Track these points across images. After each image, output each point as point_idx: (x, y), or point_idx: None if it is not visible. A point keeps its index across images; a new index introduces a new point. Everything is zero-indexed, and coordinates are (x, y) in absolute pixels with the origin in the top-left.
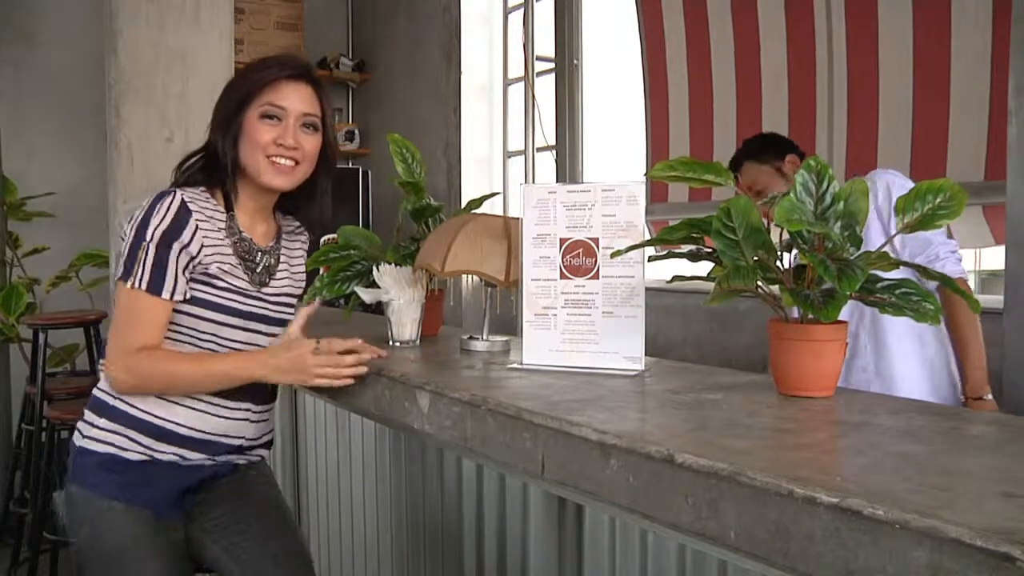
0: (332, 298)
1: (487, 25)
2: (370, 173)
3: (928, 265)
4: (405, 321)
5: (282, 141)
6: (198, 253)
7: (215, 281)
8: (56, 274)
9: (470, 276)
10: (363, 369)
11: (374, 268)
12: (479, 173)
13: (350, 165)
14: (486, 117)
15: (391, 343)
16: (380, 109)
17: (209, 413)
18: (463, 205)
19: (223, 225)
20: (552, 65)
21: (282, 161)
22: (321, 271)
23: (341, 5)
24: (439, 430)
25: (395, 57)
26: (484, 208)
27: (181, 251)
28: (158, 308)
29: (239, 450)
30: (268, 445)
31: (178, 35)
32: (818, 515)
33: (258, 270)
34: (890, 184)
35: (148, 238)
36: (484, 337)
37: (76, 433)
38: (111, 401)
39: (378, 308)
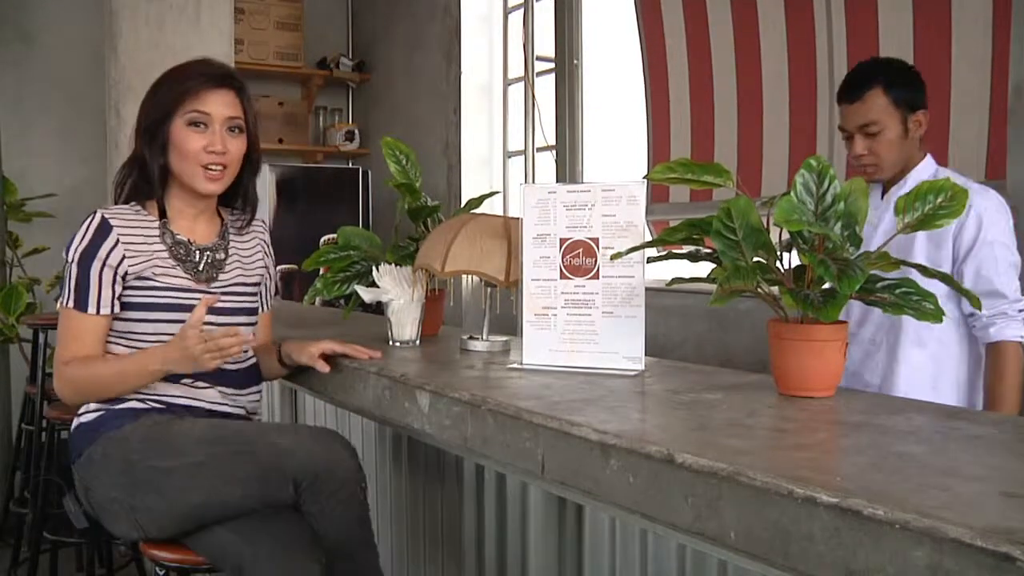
0: (332, 297)
1: (487, 25)
2: (370, 173)
3: (990, 319)
4: (405, 321)
5: (212, 148)
6: (119, 263)
7: (151, 283)
8: (56, 274)
9: (470, 276)
10: (249, 340)
11: (374, 268)
12: (479, 173)
13: (350, 165)
14: (486, 117)
15: (391, 343)
16: (380, 109)
17: (181, 386)
18: (463, 204)
19: (155, 232)
20: (552, 65)
21: (213, 169)
22: (321, 271)
23: (341, 5)
24: (439, 430)
25: (395, 57)
26: (484, 207)
27: (103, 267)
28: (87, 322)
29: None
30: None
31: (178, 35)
32: (818, 515)
33: (200, 267)
34: (983, 214)
35: (70, 259)
36: (484, 337)
37: (73, 426)
38: None
39: (378, 308)
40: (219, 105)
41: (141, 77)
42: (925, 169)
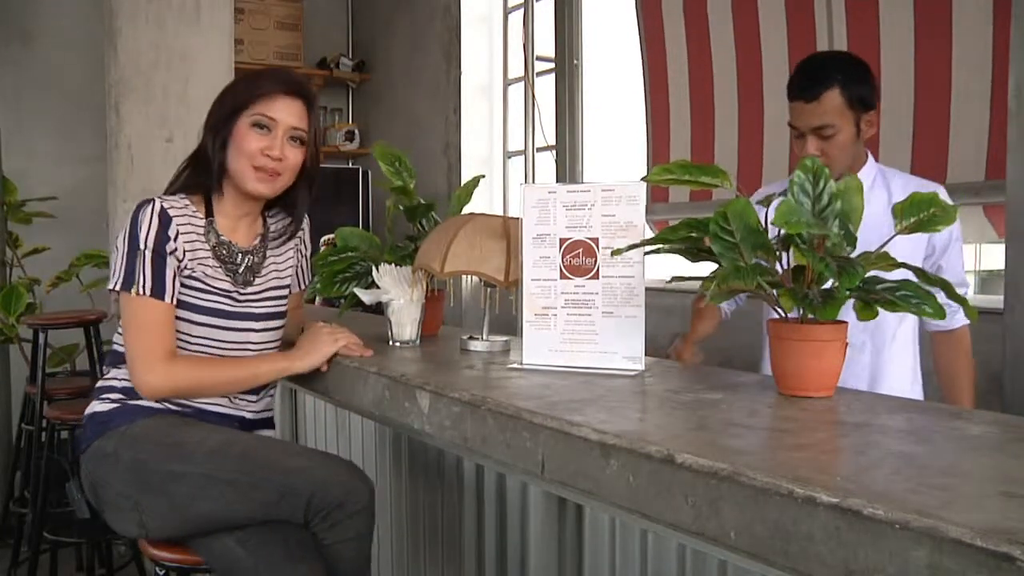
0: (332, 297)
1: (487, 25)
2: (370, 173)
3: (954, 307)
4: (405, 321)
5: (269, 152)
6: (184, 256)
7: (200, 284)
8: (56, 274)
9: (470, 276)
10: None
11: (374, 269)
12: (479, 173)
13: (350, 165)
14: (486, 117)
15: (391, 343)
16: (380, 109)
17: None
18: (460, 187)
19: (201, 230)
20: (552, 65)
21: (267, 171)
22: None
23: (341, 5)
24: (439, 430)
25: (395, 57)
26: (483, 206)
27: (171, 255)
28: (164, 311)
29: (244, 424)
30: (271, 423)
31: (178, 35)
32: (818, 515)
33: (240, 271)
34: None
35: (143, 246)
36: (484, 337)
37: (87, 413)
38: (118, 384)
39: (378, 308)
40: (286, 113)
41: (141, 77)
42: (869, 170)
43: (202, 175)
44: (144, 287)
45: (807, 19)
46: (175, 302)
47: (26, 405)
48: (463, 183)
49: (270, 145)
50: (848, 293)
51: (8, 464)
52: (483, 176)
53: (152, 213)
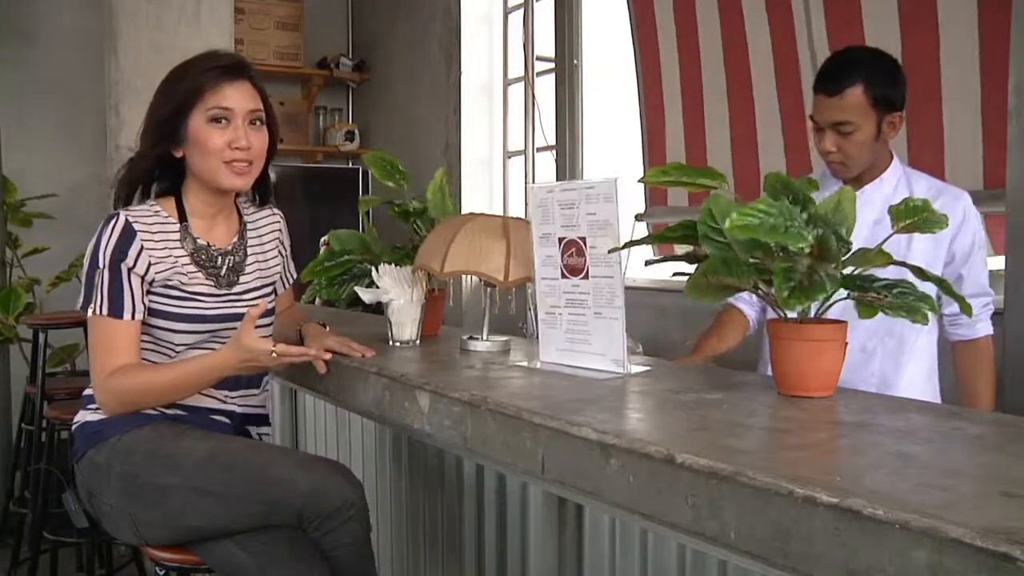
0: (332, 299)
1: (487, 25)
2: (370, 173)
3: (977, 316)
4: (405, 321)
5: (237, 144)
6: (146, 272)
7: (178, 292)
8: (56, 274)
9: (470, 276)
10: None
11: (373, 269)
12: (479, 173)
13: (350, 165)
14: (486, 117)
15: (391, 343)
16: (380, 109)
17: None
18: (460, 203)
19: (176, 237)
20: (552, 65)
21: (238, 164)
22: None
23: (341, 5)
24: (439, 430)
25: (395, 57)
26: (483, 207)
27: (130, 272)
28: (123, 330)
29: (235, 420)
30: (266, 421)
31: (178, 35)
32: (818, 515)
33: (223, 272)
34: (972, 219)
35: (101, 264)
36: (484, 337)
37: (77, 422)
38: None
39: (378, 308)
40: (240, 99)
41: (141, 77)
42: (894, 172)
43: (151, 181)
44: (101, 307)
45: (786, 18)
46: (140, 317)
47: (26, 405)
48: (465, 184)
49: (235, 137)
50: (831, 293)
51: (8, 464)
52: (443, 168)
53: (113, 229)
